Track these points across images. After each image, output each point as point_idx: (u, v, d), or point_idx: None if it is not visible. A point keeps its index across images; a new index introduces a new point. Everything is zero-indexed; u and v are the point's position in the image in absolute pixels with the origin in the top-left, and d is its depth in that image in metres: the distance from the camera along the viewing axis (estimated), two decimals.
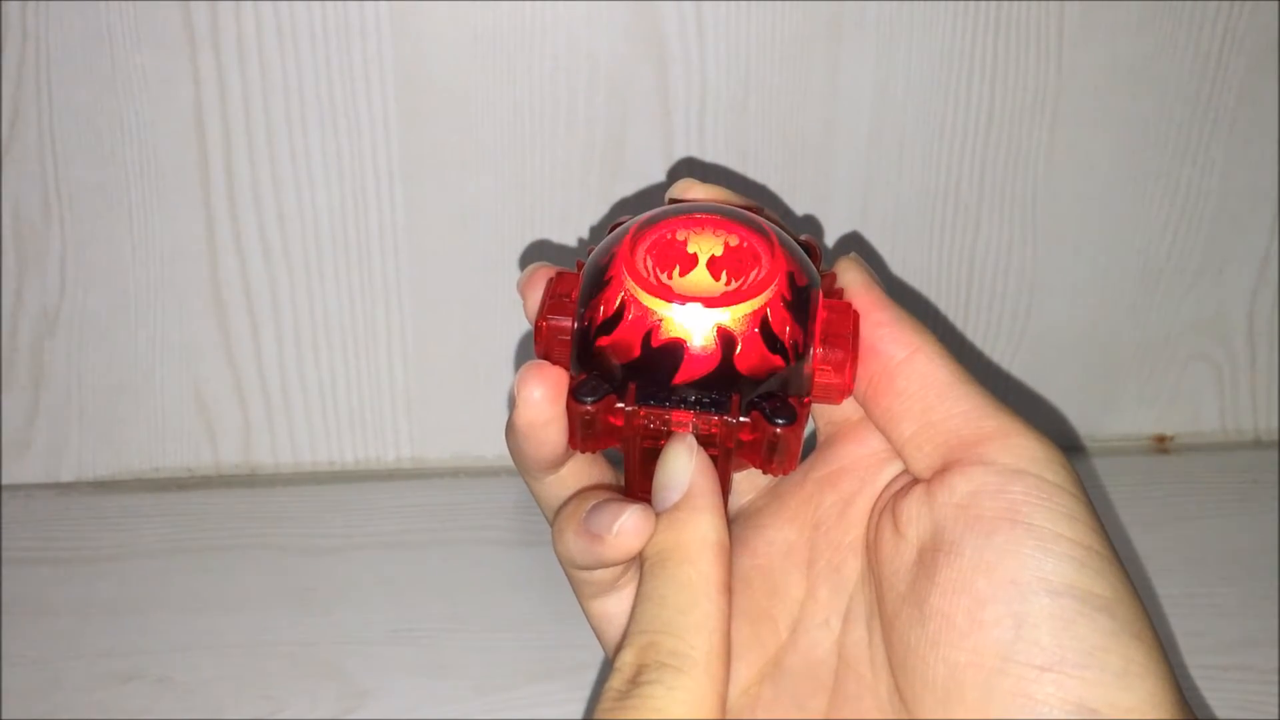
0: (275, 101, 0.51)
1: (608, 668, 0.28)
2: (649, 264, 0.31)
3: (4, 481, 0.58)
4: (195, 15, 0.49)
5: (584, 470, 0.34)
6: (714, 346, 0.30)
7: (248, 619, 0.52)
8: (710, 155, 0.54)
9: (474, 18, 0.50)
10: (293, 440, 0.58)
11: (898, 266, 0.57)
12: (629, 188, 0.54)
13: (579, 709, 0.48)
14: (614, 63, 0.52)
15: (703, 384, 0.30)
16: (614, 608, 0.33)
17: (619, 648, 0.28)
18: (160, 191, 0.53)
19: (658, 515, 0.30)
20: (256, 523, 0.56)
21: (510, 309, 0.56)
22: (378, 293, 0.56)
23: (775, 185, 0.55)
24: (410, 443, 0.59)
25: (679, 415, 0.30)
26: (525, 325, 0.34)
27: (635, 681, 0.27)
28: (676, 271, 0.31)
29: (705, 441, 0.30)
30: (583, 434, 0.31)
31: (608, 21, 0.51)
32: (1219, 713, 0.48)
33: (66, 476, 0.58)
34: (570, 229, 0.55)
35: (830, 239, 0.56)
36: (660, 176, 0.54)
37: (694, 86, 0.52)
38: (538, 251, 0.55)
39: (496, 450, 0.59)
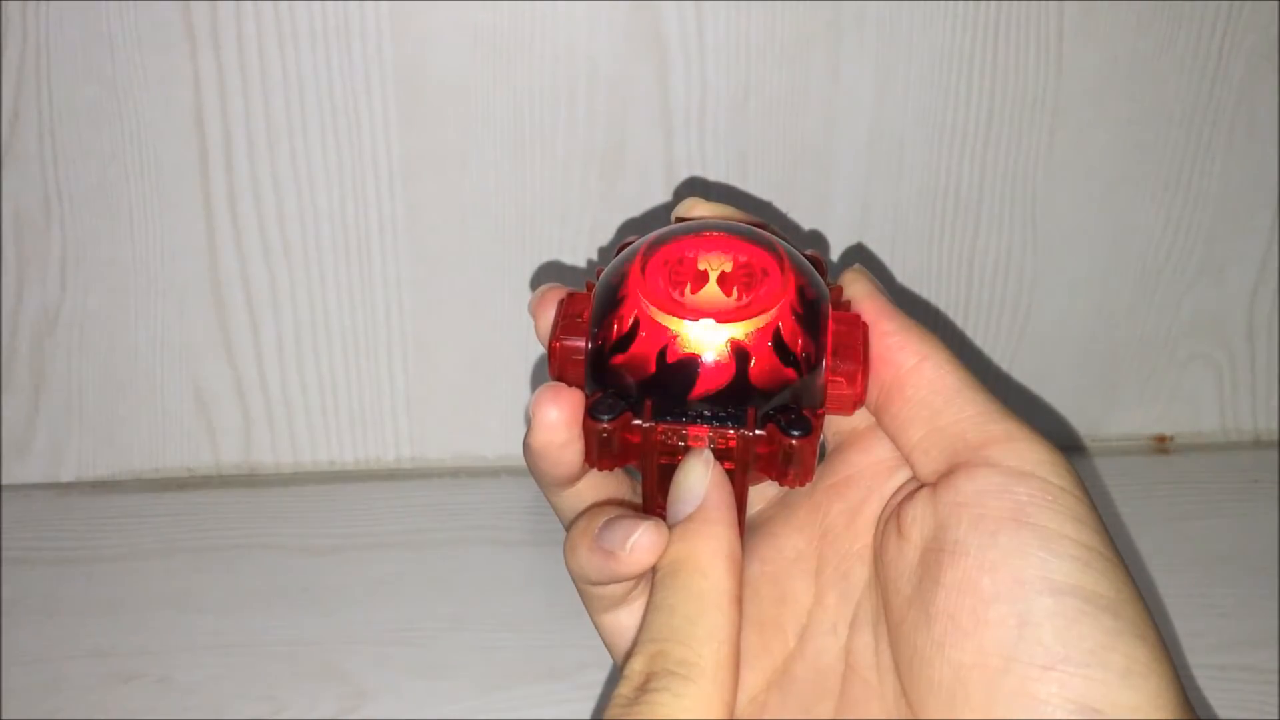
0: (275, 101, 0.51)
1: (618, 675, 0.28)
2: (660, 282, 0.31)
3: (4, 481, 0.58)
4: (195, 15, 0.49)
5: (601, 482, 0.34)
6: (728, 361, 0.30)
7: (248, 619, 0.52)
8: (710, 156, 0.54)
9: (474, 18, 0.50)
10: (293, 440, 0.58)
11: (898, 267, 0.57)
12: (629, 188, 0.54)
13: (580, 709, 0.48)
14: (614, 63, 0.52)
15: (718, 398, 0.30)
16: (625, 620, 0.33)
17: (628, 656, 0.28)
18: (160, 191, 0.53)
19: (671, 527, 0.30)
20: (256, 523, 0.56)
21: (511, 309, 0.56)
22: (378, 293, 0.56)
23: (775, 185, 0.55)
24: (410, 443, 0.59)
25: (695, 430, 0.30)
26: (526, 326, 0.34)
27: (643, 689, 0.27)
28: (688, 289, 0.31)
29: (722, 455, 0.31)
30: (600, 452, 0.31)
31: (608, 21, 0.51)
32: (1219, 713, 0.48)
33: (66, 476, 0.58)
34: (570, 229, 0.55)
35: (830, 238, 0.56)
36: (660, 177, 0.54)
37: (694, 86, 0.52)
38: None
39: (496, 450, 0.59)
